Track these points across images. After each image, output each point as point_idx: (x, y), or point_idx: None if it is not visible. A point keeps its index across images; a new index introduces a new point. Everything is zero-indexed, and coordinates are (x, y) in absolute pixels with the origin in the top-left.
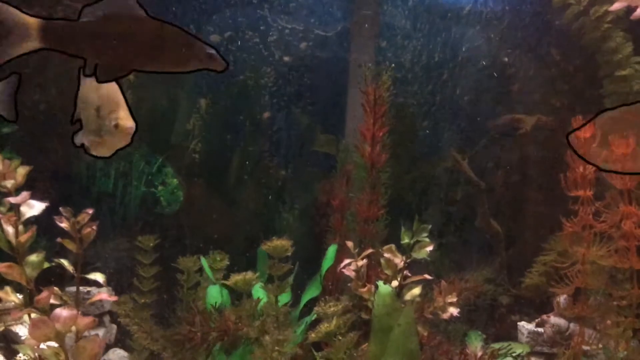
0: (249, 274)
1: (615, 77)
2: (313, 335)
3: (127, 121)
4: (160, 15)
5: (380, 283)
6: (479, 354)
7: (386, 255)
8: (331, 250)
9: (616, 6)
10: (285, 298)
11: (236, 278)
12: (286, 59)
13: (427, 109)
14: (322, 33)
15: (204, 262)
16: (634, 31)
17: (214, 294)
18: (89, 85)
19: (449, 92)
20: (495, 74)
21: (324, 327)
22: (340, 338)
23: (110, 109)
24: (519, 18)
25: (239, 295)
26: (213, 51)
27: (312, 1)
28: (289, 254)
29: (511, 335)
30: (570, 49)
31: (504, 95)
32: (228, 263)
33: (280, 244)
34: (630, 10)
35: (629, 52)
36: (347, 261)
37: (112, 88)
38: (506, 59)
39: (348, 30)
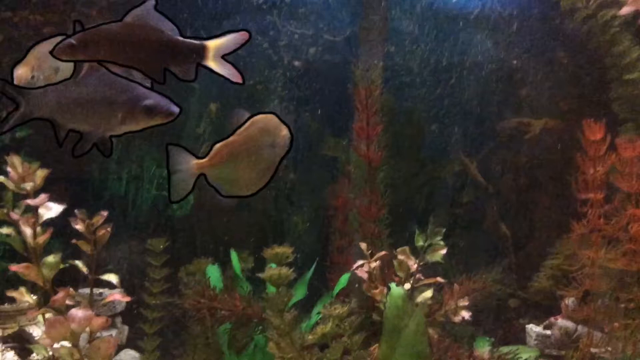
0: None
1: (623, 80)
2: (310, 337)
3: None
4: (171, 20)
5: (392, 285)
6: (486, 357)
7: (400, 257)
8: (344, 278)
9: (625, 10)
10: (300, 294)
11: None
12: (295, 63)
13: (436, 113)
14: (331, 38)
15: (233, 256)
16: None
17: (215, 275)
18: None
19: (457, 95)
20: (503, 78)
21: (320, 329)
22: (346, 340)
23: None
24: (527, 22)
25: None
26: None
27: (321, 6)
28: (290, 260)
29: (519, 338)
30: (578, 52)
31: (512, 98)
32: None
33: (282, 251)
34: (638, 14)
35: (637, 55)
36: (360, 262)
37: None
38: (514, 63)
39: (356, 35)
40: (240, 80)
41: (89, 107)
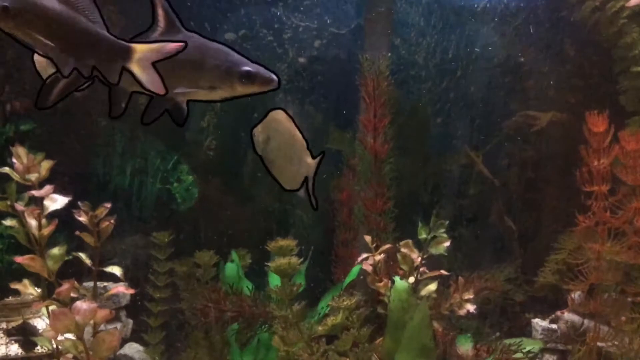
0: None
1: (631, 72)
2: (320, 328)
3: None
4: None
5: (396, 278)
6: (470, 354)
7: (403, 250)
8: (355, 269)
9: (634, 2)
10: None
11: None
12: (300, 56)
13: (441, 106)
14: (336, 31)
15: (234, 255)
16: None
17: (232, 272)
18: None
19: (463, 89)
20: (509, 71)
21: (330, 320)
22: (354, 332)
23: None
24: (534, 14)
25: None
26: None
27: None
28: (294, 252)
29: (525, 332)
30: (586, 44)
31: (519, 91)
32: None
33: (286, 244)
34: None
35: None
36: (364, 255)
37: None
38: (521, 55)
39: (362, 27)
40: (161, 92)
41: (169, 69)
